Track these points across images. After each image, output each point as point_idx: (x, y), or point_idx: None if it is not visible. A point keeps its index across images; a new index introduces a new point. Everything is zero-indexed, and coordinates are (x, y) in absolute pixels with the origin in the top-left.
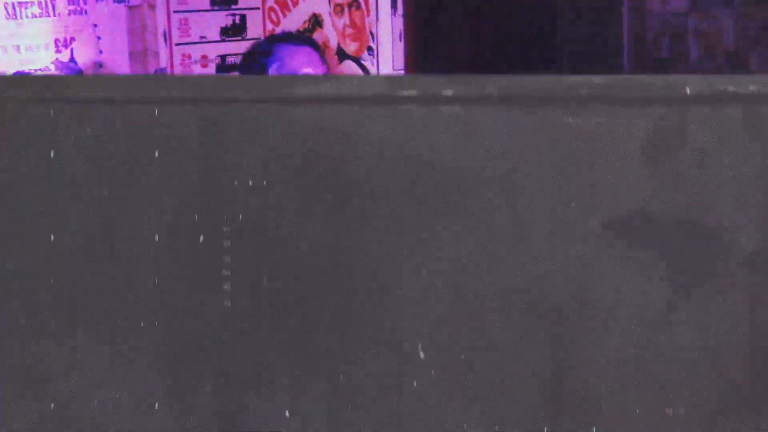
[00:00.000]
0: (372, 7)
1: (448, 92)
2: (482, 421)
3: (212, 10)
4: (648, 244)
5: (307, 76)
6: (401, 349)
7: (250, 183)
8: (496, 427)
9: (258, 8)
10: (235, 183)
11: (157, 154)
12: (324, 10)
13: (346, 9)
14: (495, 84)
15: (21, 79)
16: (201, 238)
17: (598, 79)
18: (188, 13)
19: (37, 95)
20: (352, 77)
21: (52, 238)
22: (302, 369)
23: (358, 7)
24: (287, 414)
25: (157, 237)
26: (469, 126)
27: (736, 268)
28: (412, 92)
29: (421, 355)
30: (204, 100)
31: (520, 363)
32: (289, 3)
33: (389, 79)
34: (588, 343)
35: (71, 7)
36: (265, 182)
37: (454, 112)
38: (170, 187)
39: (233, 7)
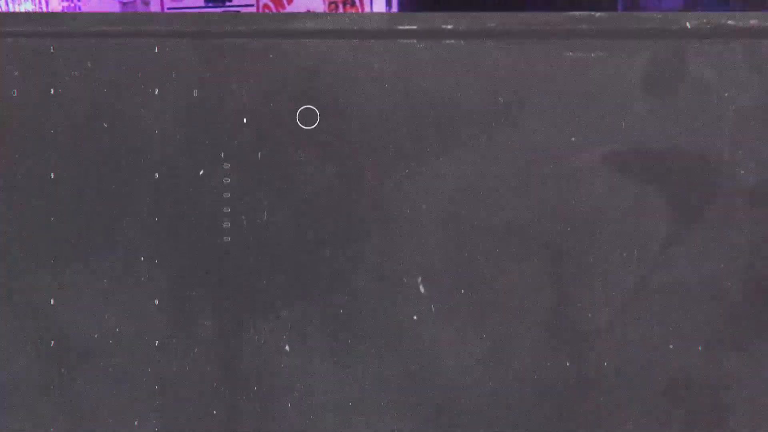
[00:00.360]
0: (366, 4)
1: (449, 26)
2: (482, 356)
3: (206, 7)
4: (648, 178)
5: (308, 13)
6: (401, 283)
7: (250, 118)
8: (496, 362)
9: (252, 5)
10: (235, 119)
11: (157, 90)
12: (319, 7)
13: (340, 6)
14: (495, 18)
15: (20, 15)
16: (201, 173)
17: (598, 14)
18: (182, 10)
19: (36, 31)
20: (352, 13)
21: (53, 175)
22: (302, 303)
23: (353, 5)
24: (287, 348)
25: (157, 174)
26: (469, 60)
27: (736, 201)
28: (413, 26)
29: (421, 289)
30: (204, 35)
31: (520, 297)
32: (284, 0)
33: (389, 15)
34: (588, 278)
35: (65, 4)
36: (264, 118)
37: (454, 46)
38: (170, 124)
39: (227, 3)
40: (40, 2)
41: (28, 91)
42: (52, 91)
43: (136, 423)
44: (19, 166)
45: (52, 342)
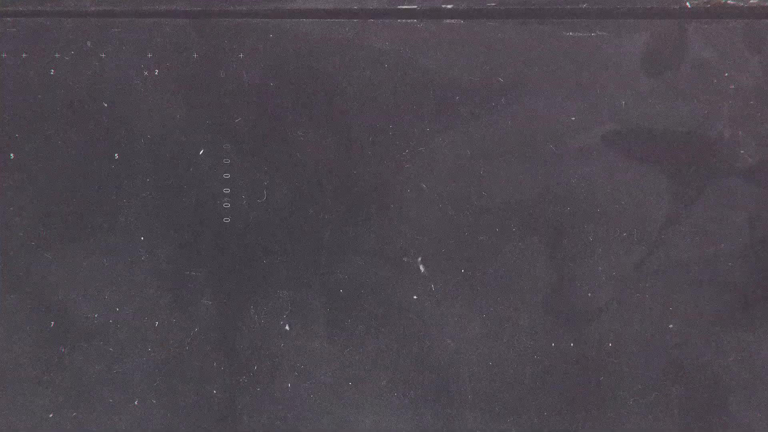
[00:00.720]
0: None
1: (449, 5)
2: (482, 335)
3: None
4: (648, 158)
5: None
6: (401, 263)
7: (251, 98)
8: (496, 341)
9: None
10: (236, 98)
11: (156, 70)
12: None
13: None
14: None
15: None
16: (201, 152)
17: None
18: None
19: (36, 11)
20: None
21: (53, 155)
22: (301, 283)
23: None
24: (287, 327)
25: (157, 154)
26: (469, 40)
27: (736, 181)
28: (413, 6)
29: (421, 268)
30: (204, 14)
31: (520, 277)
32: None
33: None
34: (588, 257)
35: None
36: (264, 98)
37: (454, 26)
38: (170, 103)
39: None
40: None
41: (27, 71)
42: (52, 71)
43: (136, 402)
44: (19, 147)
45: (52, 322)
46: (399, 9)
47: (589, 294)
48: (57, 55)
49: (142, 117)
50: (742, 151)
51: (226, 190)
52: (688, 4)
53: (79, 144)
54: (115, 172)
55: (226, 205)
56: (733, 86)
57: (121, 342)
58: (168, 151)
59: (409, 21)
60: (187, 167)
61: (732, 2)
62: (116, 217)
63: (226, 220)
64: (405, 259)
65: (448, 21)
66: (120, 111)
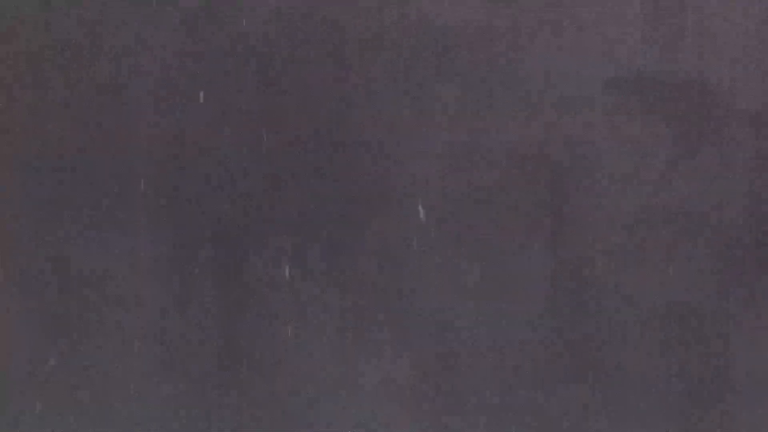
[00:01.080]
0: None
1: None
2: (483, 279)
3: None
4: (649, 105)
5: None
6: (401, 209)
7: (252, 49)
8: (496, 285)
9: None
10: (236, 50)
11: (158, 21)
12: None
13: None
14: None
15: None
16: (201, 96)
17: None
18: None
19: None
20: None
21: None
22: (302, 229)
23: None
24: (287, 273)
25: (159, 110)
26: None
27: (738, 127)
28: None
29: (421, 214)
30: None
31: (521, 222)
32: None
33: None
34: (589, 203)
35: None
36: (263, 54)
37: None
38: (173, 57)
39: None
40: None
41: (23, 38)
42: (49, 36)
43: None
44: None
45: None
46: None
47: (590, 240)
48: (52, 19)
49: (145, 76)
50: (744, 98)
51: (228, 135)
52: None
53: (77, 111)
54: (118, 128)
55: (227, 153)
56: (734, 33)
57: (120, 293)
58: (169, 101)
59: None
60: (188, 118)
61: None
62: (116, 169)
63: (227, 174)
64: (405, 204)
65: None
66: (123, 70)
